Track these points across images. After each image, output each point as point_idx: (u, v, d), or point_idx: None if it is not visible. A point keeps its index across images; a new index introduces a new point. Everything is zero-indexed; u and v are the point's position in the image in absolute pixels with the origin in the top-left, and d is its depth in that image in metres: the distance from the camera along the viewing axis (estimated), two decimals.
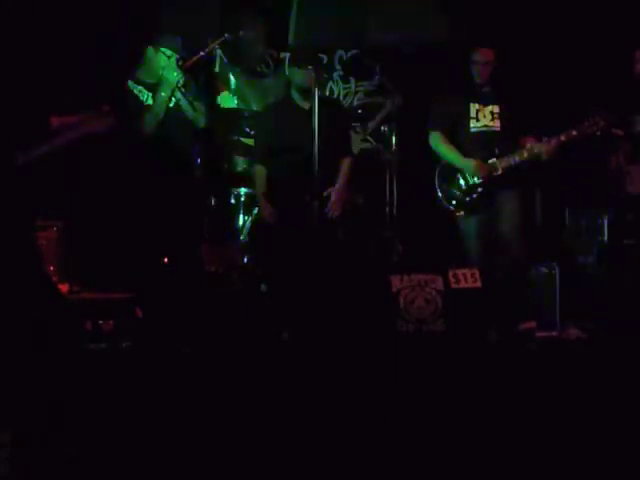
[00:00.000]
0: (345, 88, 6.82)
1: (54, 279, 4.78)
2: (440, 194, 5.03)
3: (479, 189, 4.90)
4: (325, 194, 4.85)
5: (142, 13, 5.58)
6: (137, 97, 4.58)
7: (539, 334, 4.85)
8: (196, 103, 4.53)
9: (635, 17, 5.37)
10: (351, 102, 6.80)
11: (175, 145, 4.56)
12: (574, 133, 4.74)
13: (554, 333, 4.90)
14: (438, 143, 5.02)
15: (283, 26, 6.45)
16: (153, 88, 4.54)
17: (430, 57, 6.21)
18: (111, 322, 4.65)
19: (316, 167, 4.53)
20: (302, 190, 4.77)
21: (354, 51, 6.78)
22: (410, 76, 6.30)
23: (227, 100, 6.59)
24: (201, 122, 4.58)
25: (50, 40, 5.02)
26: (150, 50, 4.57)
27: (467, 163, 4.89)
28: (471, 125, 4.94)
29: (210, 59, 6.26)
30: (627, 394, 3.46)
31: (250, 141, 5.80)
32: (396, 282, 4.68)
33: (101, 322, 4.64)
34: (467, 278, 4.70)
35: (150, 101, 4.55)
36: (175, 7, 5.64)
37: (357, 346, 4.27)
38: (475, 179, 4.88)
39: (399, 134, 6.12)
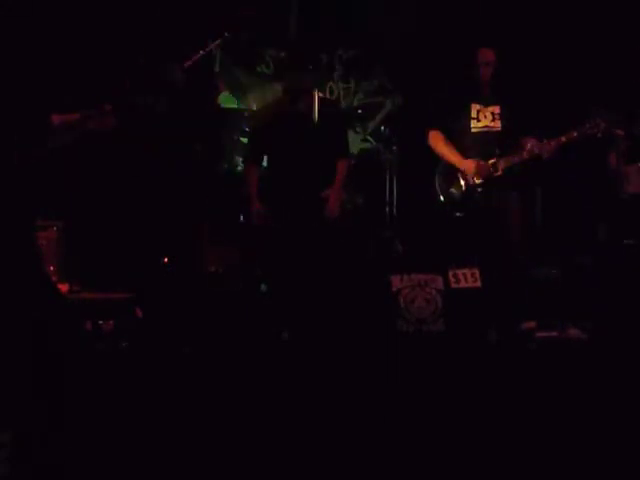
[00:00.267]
0: (345, 88, 6.82)
1: (54, 279, 4.77)
2: (440, 194, 5.02)
3: (479, 189, 4.90)
4: (323, 195, 4.85)
5: (143, 13, 5.58)
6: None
7: (539, 334, 4.85)
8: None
9: (635, 17, 5.37)
10: (351, 102, 6.80)
11: (175, 145, 4.56)
12: (575, 134, 4.74)
13: (554, 333, 4.90)
14: (437, 143, 5.01)
15: (283, 26, 6.45)
16: (157, 87, 4.54)
17: (430, 57, 6.20)
18: (111, 322, 4.65)
19: (314, 168, 4.55)
20: (299, 191, 4.78)
21: (354, 51, 6.78)
22: (410, 76, 6.30)
23: (227, 100, 6.59)
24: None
25: (50, 40, 5.02)
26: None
27: (466, 164, 4.89)
28: (472, 125, 4.94)
29: (210, 59, 6.26)
30: (627, 394, 3.46)
31: None
32: (396, 282, 4.69)
33: (101, 322, 4.64)
34: (467, 278, 4.71)
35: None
36: (175, 7, 5.64)
37: (357, 346, 4.27)
38: (475, 180, 4.88)
39: (399, 134, 6.13)
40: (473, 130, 4.94)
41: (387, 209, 6.08)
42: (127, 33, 5.57)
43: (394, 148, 6.12)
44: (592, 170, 5.40)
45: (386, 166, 6.15)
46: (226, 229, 5.50)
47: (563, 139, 4.75)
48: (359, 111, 6.49)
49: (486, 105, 4.93)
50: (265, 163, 5.01)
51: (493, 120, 4.92)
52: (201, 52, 4.68)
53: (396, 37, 6.40)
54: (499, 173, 4.85)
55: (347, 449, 3.05)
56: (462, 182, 4.94)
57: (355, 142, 6.36)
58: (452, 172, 4.98)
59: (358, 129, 6.37)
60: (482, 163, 4.86)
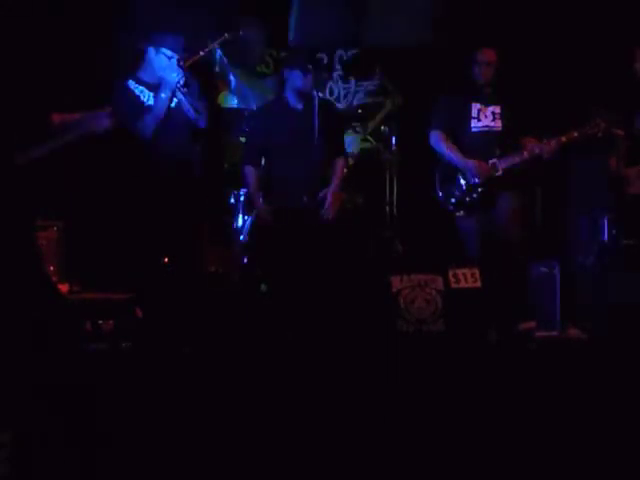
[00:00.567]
0: (345, 88, 6.82)
1: (54, 279, 4.78)
2: (440, 194, 5.02)
3: (479, 189, 4.90)
4: (321, 195, 4.85)
5: (142, 13, 5.57)
6: (138, 97, 4.57)
7: (539, 334, 4.85)
8: (197, 103, 4.52)
9: (635, 17, 5.37)
10: (351, 102, 6.80)
11: (175, 145, 4.56)
12: (575, 134, 4.75)
13: (554, 333, 4.90)
14: (439, 142, 5.01)
15: (283, 26, 6.44)
16: (154, 88, 4.53)
17: (431, 57, 6.20)
18: (111, 322, 4.65)
19: (312, 167, 4.55)
20: (298, 191, 4.78)
21: (354, 51, 6.78)
22: (410, 76, 6.30)
23: (227, 100, 6.59)
24: (202, 123, 4.58)
25: (50, 40, 5.02)
26: (151, 50, 4.56)
27: (468, 164, 4.89)
28: (472, 125, 4.94)
29: (210, 59, 6.26)
30: (627, 394, 3.46)
31: None
32: (396, 282, 4.69)
33: (101, 322, 4.64)
34: (467, 278, 4.71)
35: (151, 101, 4.54)
36: (175, 7, 5.63)
37: (357, 346, 4.27)
38: (475, 180, 4.88)
39: (399, 134, 6.13)
40: (473, 130, 4.94)
41: (387, 209, 6.08)
42: (126, 33, 5.56)
43: (394, 148, 6.12)
44: (592, 170, 5.40)
45: (386, 166, 6.15)
46: (226, 229, 5.51)
47: (563, 139, 4.76)
48: (359, 111, 6.49)
49: (487, 105, 4.93)
50: (262, 163, 5.02)
51: (494, 120, 4.92)
52: (201, 52, 4.68)
53: (396, 37, 6.39)
54: (499, 173, 4.85)
55: (348, 449, 3.05)
56: (462, 182, 4.94)
57: (355, 142, 6.36)
58: (452, 172, 4.98)
59: (358, 129, 6.37)
60: (483, 163, 4.86)
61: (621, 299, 4.79)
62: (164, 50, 4.51)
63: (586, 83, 5.61)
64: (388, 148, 6.15)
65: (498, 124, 4.92)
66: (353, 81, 6.82)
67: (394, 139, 6.12)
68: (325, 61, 6.73)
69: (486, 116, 4.93)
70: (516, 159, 4.83)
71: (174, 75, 4.46)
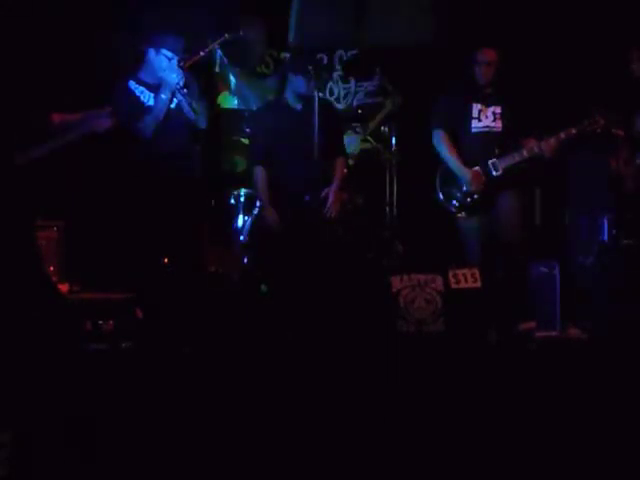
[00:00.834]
0: (345, 88, 6.82)
1: (54, 279, 4.78)
2: (441, 195, 5.02)
3: (474, 195, 4.89)
4: (322, 194, 4.86)
5: (143, 13, 5.57)
6: (138, 98, 4.57)
7: (539, 334, 4.85)
8: (197, 104, 4.53)
9: (634, 17, 5.37)
10: (351, 102, 6.80)
11: (175, 146, 4.56)
12: (574, 131, 4.74)
13: (554, 333, 4.90)
14: (440, 143, 5.00)
15: (283, 26, 6.44)
16: (154, 89, 4.54)
17: (431, 57, 6.20)
18: (111, 322, 4.65)
19: (313, 167, 4.55)
20: (300, 191, 4.79)
21: (354, 51, 6.78)
22: (410, 76, 6.29)
23: (227, 100, 6.59)
24: (202, 123, 4.58)
25: (50, 40, 5.02)
26: (151, 52, 4.56)
27: (463, 172, 4.87)
28: (473, 125, 4.93)
29: (210, 59, 6.26)
30: (627, 394, 3.46)
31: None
32: (396, 282, 4.68)
33: (101, 322, 4.64)
34: (467, 278, 4.70)
35: (152, 102, 4.54)
36: (175, 7, 5.63)
37: (357, 346, 4.27)
38: (468, 188, 4.87)
39: (399, 134, 6.13)
40: (474, 130, 4.94)
41: (387, 209, 6.09)
42: (127, 33, 5.56)
43: (394, 148, 6.12)
44: (592, 170, 5.40)
45: (386, 166, 6.15)
46: (226, 230, 5.51)
47: (562, 136, 4.75)
48: (359, 111, 6.48)
49: (487, 105, 4.92)
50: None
51: (494, 120, 4.92)
52: (201, 52, 4.68)
53: (396, 37, 6.39)
54: (499, 173, 4.85)
55: (348, 449, 3.05)
56: (463, 186, 4.94)
57: (355, 142, 6.35)
58: (453, 173, 4.97)
59: (358, 129, 6.36)
60: (478, 174, 4.84)
61: (621, 299, 4.80)
62: (164, 51, 4.52)
63: (586, 84, 5.61)
64: (388, 148, 6.15)
65: (498, 125, 4.91)
66: (353, 81, 6.82)
67: (394, 139, 6.12)
68: (325, 61, 6.73)
69: (487, 116, 4.92)
70: (516, 158, 4.82)
71: (174, 76, 4.47)
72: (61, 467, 2.85)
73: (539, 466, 2.94)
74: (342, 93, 6.82)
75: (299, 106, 4.89)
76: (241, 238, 5.40)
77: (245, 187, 5.48)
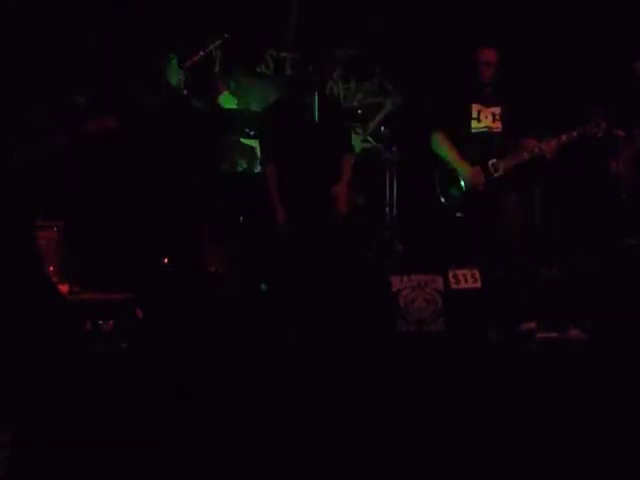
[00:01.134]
0: (345, 88, 6.82)
1: (54, 279, 4.78)
2: (441, 194, 5.01)
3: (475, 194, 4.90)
4: (332, 193, 4.83)
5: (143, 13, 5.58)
6: None
7: (539, 334, 4.85)
8: (197, 104, 4.53)
9: (636, 17, 5.37)
10: (351, 102, 6.80)
11: (175, 145, 4.56)
12: (575, 134, 4.74)
13: (554, 334, 4.90)
14: (439, 143, 5.00)
15: (283, 26, 6.45)
16: None
17: (431, 57, 6.20)
18: (111, 322, 4.65)
19: (322, 166, 4.55)
20: (309, 189, 4.77)
21: (354, 51, 6.78)
22: (410, 76, 6.30)
23: (227, 100, 6.59)
24: (201, 123, 4.58)
25: (51, 40, 5.02)
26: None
27: (464, 168, 4.87)
28: (472, 126, 4.93)
29: (210, 59, 6.26)
30: (627, 394, 3.46)
31: (250, 142, 5.80)
32: (396, 282, 4.69)
33: (101, 322, 4.64)
34: (467, 278, 4.71)
35: None
36: (175, 7, 5.64)
37: (357, 346, 4.27)
38: (467, 187, 4.87)
39: (399, 134, 6.13)
40: (473, 130, 4.93)
41: (387, 209, 6.09)
42: (127, 33, 5.57)
43: (394, 148, 6.12)
44: (592, 171, 5.40)
45: (386, 166, 6.15)
46: (226, 229, 5.51)
47: (563, 138, 4.75)
48: (359, 111, 6.49)
49: (487, 105, 4.92)
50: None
51: (494, 121, 4.91)
52: (201, 53, 4.69)
53: (396, 37, 6.39)
54: (500, 173, 4.85)
55: (348, 449, 3.05)
56: (462, 182, 4.94)
57: (355, 142, 6.35)
58: (452, 172, 4.97)
59: (358, 129, 6.37)
60: (479, 172, 4.83)
61: (621, 299, 4.80)
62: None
63: (586, 83, 5.61)
64: (388, 148, 6.16)
65: (498, 125, 4.91)
66: (353, 81, 6.83)
67: (394, 139, 6.12)
68: (325, 61, 6.73)
69: (486, 117, 4.92)
70: (516, 159, 4.82)
71: (174, 77, 4.47)
72: (61, 467, 2.85)
73: (539, 466, 2.94)
74: (342, 93, 6.82)
75: (305, 104, 4.85)
76: (242, 238, 5.38)
77: (245, 187, 5.45)
